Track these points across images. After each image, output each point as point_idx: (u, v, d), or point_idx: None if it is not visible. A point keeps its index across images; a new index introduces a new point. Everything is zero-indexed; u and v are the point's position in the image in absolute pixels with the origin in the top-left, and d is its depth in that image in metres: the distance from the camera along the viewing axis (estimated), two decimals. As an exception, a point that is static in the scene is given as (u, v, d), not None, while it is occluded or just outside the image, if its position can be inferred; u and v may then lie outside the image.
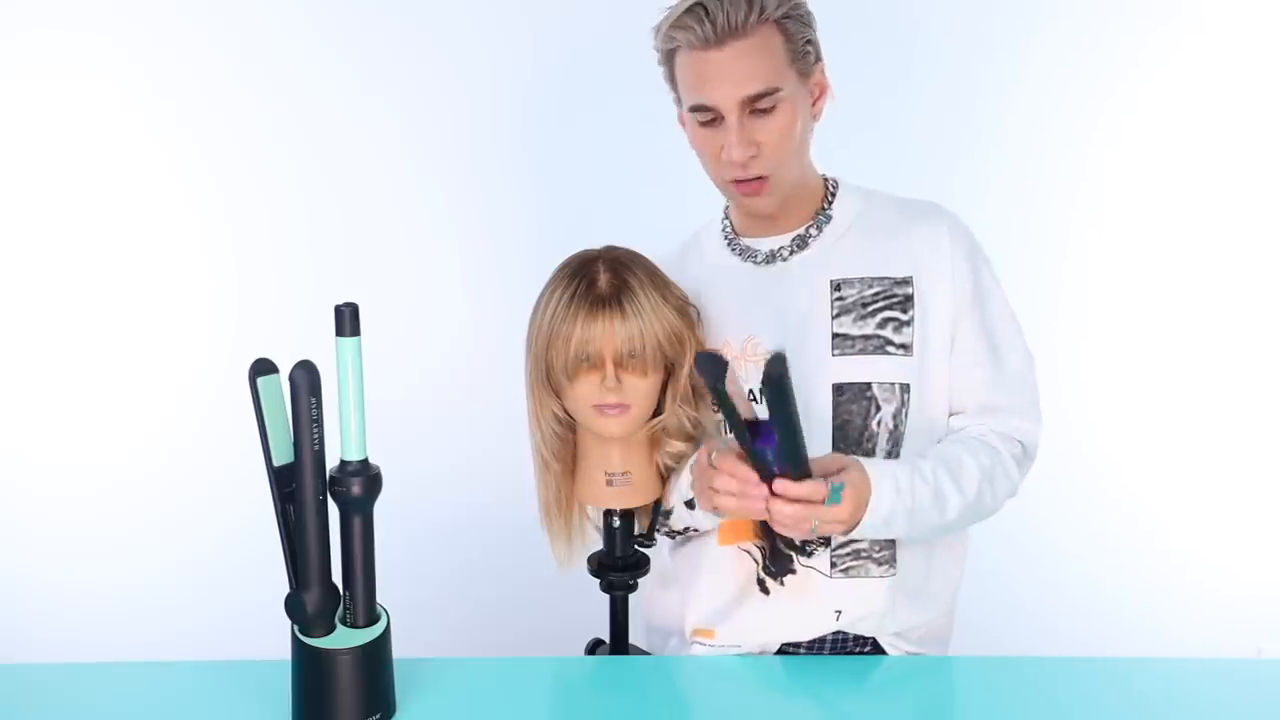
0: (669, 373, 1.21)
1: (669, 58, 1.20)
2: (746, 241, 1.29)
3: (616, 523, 1.25)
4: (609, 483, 1.21)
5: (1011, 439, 1.23)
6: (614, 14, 1.81)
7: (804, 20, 1.18)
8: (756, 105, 1.15)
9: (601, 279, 1.17)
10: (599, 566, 1.27)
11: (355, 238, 2.01)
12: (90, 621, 1.98)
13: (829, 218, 1.27)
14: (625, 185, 1.94)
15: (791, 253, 1.26)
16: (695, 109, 1.18)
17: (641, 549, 1.29)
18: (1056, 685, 1.10)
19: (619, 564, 1.26)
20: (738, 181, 1.20)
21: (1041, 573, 2.02)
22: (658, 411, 1.21)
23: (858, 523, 1.07)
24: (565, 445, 1.25)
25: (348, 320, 0.94)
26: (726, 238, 1.32)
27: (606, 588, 1.27)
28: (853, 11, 1.89)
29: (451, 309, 2.03)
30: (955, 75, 1.96)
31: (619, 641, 1.28)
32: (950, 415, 1.25)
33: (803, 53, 1.18)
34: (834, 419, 1.21)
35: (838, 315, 1.22)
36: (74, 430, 2.05)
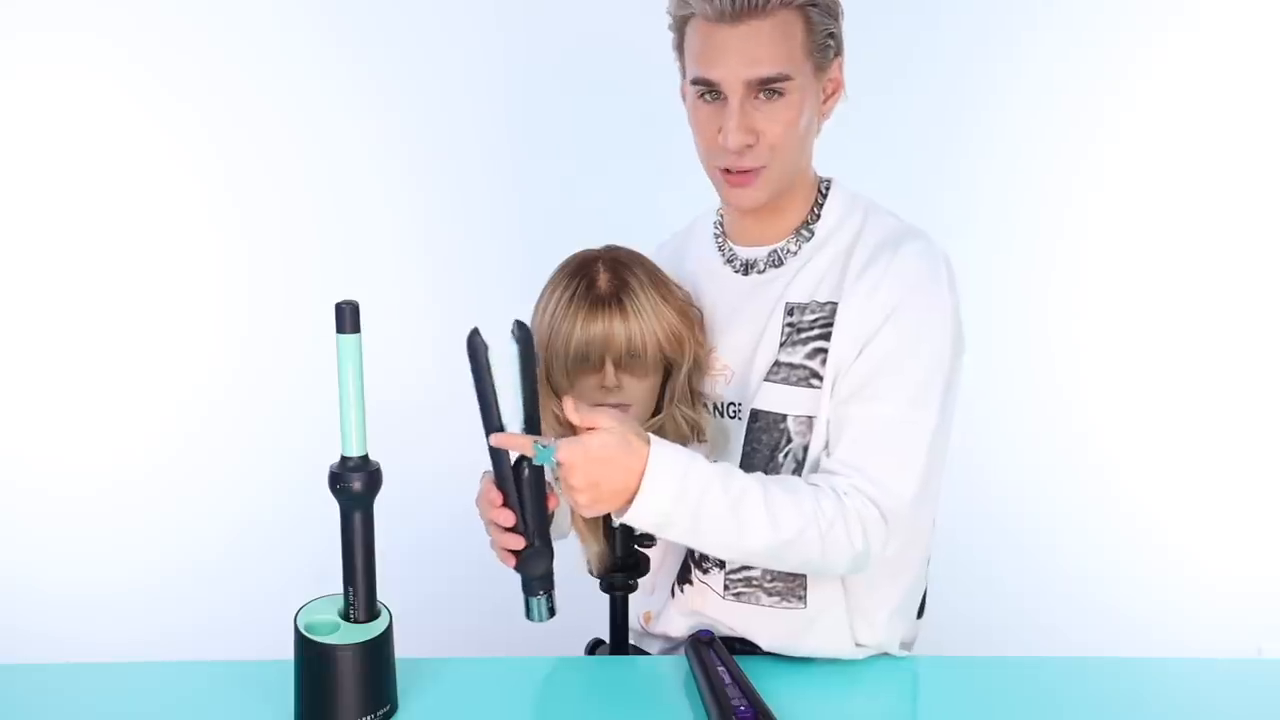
0: (667, 373, 1.21)
1: (681, 24, 1.13)
2: (732, 245, 1.24)
3: (616, 523, 1.24)
4: (608, 483, 1.21)
5: (865, 498, 1.06)
6: (615, 13, 1.81)
7: (829, 11, 1.11)
8: (763, 90, 1.09)
9: (601, 279, 1.17)
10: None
11: (356, 237, 2.01)
12: (90, 621, 1.97)
13: (810, 234, 1.19)
14: (626, 185, 1.94)
15: (766, 268, 1.21)
16: (698, 82, 1.11)
17: (641, 550, 1.28)
18: (1056, 685, 1.10)
19: (619, 564, 1.26)
20: (728, 170, 1.13)
21: (1041, 573, 2.02)
22: (656, 411, 1.21)
23: (625, 503, 0.99)
24: (565, 446, 1.25)
25: (348, 317, 0.94)
26: (716, 236, 1.28)
27: (606, 588, 1.26)
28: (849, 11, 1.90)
29: (452, 308, 2.02)
30: (952, 75, 1.96)
31: (619, 641, 1.28)
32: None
33: (822, 45, 1.11)
34: (744, 445, 1.16)
35: (784, 343, 1.15)
36: (74, 430, 2.04)
